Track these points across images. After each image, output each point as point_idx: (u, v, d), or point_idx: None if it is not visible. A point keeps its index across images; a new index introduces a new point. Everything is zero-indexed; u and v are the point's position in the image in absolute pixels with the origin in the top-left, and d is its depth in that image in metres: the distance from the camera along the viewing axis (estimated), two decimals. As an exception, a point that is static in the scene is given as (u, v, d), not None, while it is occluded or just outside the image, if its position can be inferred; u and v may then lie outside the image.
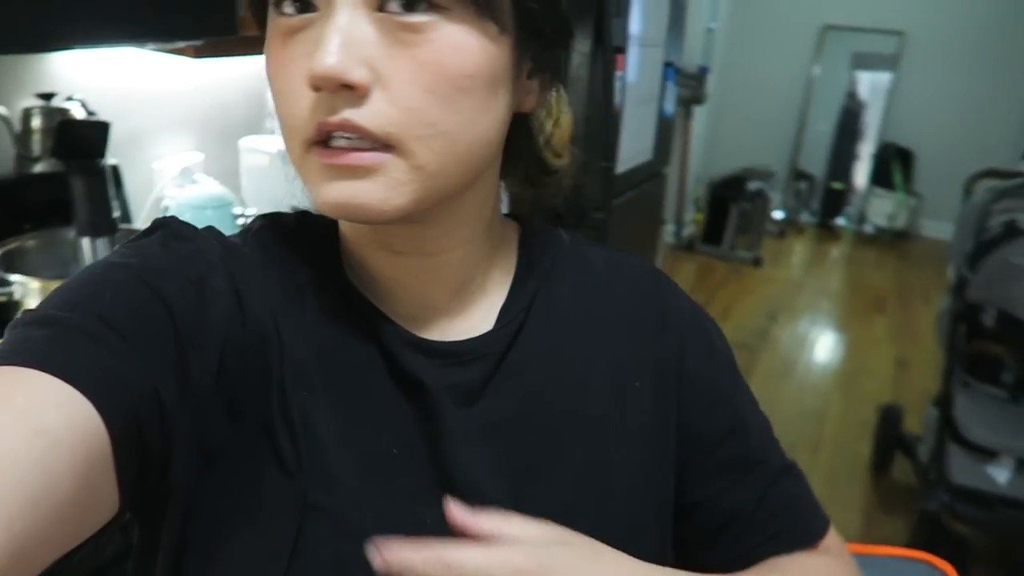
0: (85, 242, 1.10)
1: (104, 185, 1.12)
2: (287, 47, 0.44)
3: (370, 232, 0.52)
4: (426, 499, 0.49)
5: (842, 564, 0.59)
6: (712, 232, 4.67)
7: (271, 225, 0.55)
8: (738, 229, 4.60)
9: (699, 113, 4.62)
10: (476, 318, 0.55)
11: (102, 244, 1.11)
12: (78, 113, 1.33)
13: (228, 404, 0.46)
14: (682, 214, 4.74)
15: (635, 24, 1.72)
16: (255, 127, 1.89)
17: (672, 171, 4.67)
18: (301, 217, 0.56)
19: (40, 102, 1.29)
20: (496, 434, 0.52)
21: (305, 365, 0.49)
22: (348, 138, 0.42)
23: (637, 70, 1.81)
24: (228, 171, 1.79)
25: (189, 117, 1.73)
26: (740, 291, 4.23)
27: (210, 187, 1.56)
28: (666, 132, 2.20)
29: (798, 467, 0.62)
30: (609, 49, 1.57)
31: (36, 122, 1.28)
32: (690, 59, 4.02)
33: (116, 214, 1.16)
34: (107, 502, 0.39)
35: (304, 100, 0.43)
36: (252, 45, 1.41)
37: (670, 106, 2.18)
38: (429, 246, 0.52)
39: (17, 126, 1.29)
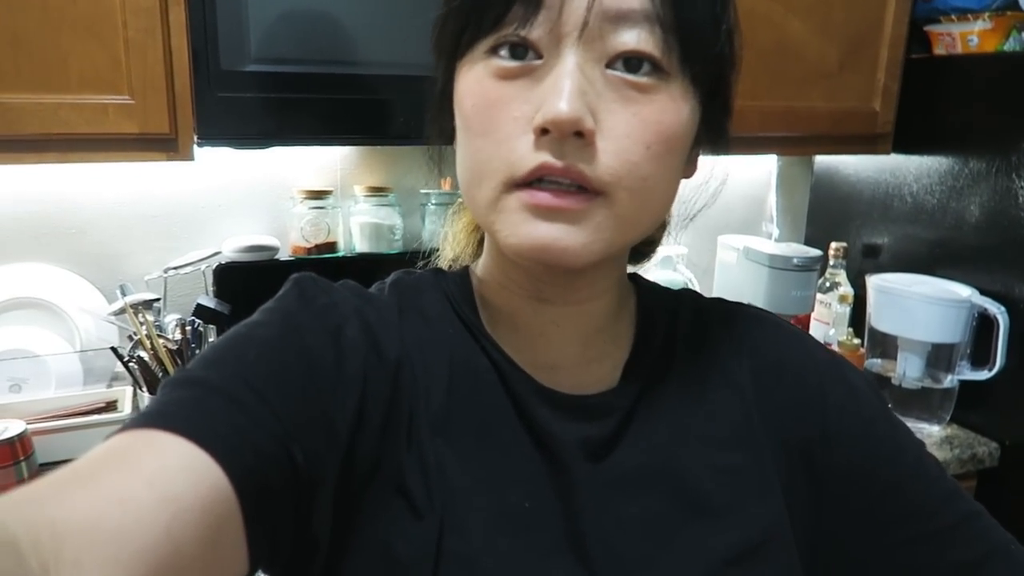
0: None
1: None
2: (501, 88, 0.45)
3: (521, 279, 0.52)
4: (556, 554, 0.48)
5: None
6: None
7: (406, 276, 0.57)
8: None
9: None
10: (604, 370, 0.54)
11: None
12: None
13: (367, 454, 0.47)
14: None
15: None
16: (750, 228, 1.95)
17: None
18: (436, 271, 0.58)
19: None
20: (626, 489, 0.51)
21: (440, 411, 0.50)
22: (560, 182, 0.43)
23: None
24: (709, 265, 1.88)
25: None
26: None
27: (673, 275, 1.67)
28: None
29: (985, 512, 0.54)
30: None
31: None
32: None
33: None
34: (236, 563, 0.39)
35: (519, 142, 0.44)
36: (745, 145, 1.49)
37: None
38: (578, 294, 0.53)
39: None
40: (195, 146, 1.12)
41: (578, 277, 0.51)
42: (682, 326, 0.58)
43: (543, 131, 0.43)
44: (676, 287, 0.62)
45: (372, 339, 0.49)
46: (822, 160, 1.87)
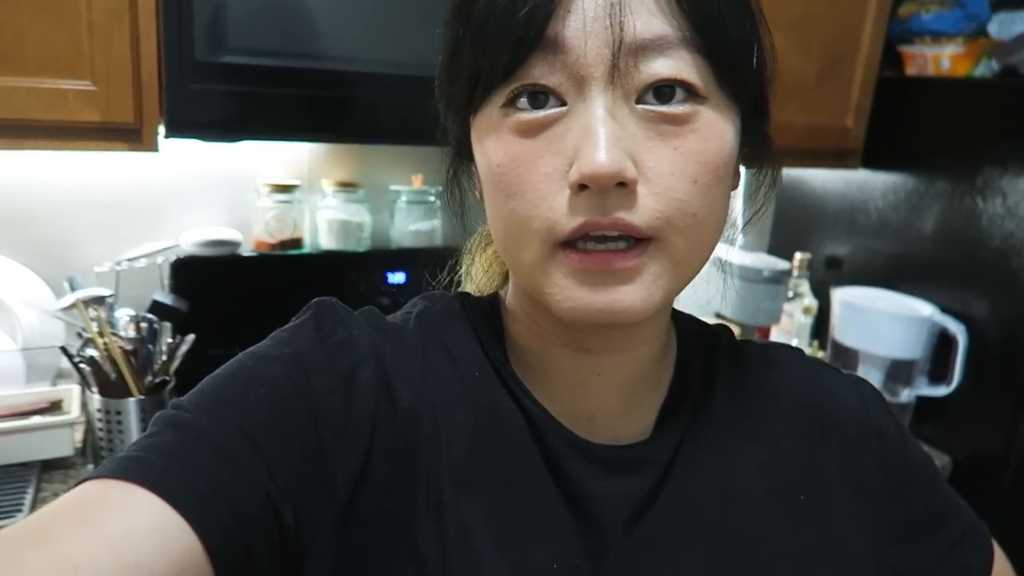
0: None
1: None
2: (527, 144, 0.41)
3: (556, 328, 0.48)
4: None
5: None
6: None
7: (433, 307, 0.53)
8: None
9: None
10: (642, 419, 0.52)
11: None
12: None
13: (371, 510, 0.44)
14: None
15: None
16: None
17: None
18: (463, 299, 0.54)
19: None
20: (663, 548, 0.48)
21: (462, 464, 0.46)
22: (605, 236, 0.40)
23: None
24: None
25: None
26: None
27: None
28: None
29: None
30: None
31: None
32: None
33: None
34: None
35: (556, 199, 0.41)
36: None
37: None
38: (623, 343, 0.49)
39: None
40: (160, 138, 1.05)
41: (628, 328, 0.47)
42: (720, 371, 0.54)
43: (581, 187, 0.40)
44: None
45: (387, 382, 0.46)
46: (790, 171, 1.89)
